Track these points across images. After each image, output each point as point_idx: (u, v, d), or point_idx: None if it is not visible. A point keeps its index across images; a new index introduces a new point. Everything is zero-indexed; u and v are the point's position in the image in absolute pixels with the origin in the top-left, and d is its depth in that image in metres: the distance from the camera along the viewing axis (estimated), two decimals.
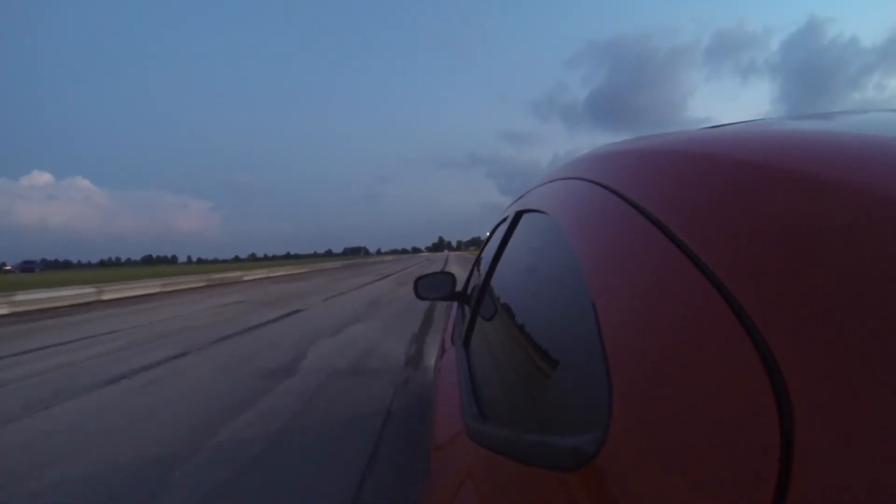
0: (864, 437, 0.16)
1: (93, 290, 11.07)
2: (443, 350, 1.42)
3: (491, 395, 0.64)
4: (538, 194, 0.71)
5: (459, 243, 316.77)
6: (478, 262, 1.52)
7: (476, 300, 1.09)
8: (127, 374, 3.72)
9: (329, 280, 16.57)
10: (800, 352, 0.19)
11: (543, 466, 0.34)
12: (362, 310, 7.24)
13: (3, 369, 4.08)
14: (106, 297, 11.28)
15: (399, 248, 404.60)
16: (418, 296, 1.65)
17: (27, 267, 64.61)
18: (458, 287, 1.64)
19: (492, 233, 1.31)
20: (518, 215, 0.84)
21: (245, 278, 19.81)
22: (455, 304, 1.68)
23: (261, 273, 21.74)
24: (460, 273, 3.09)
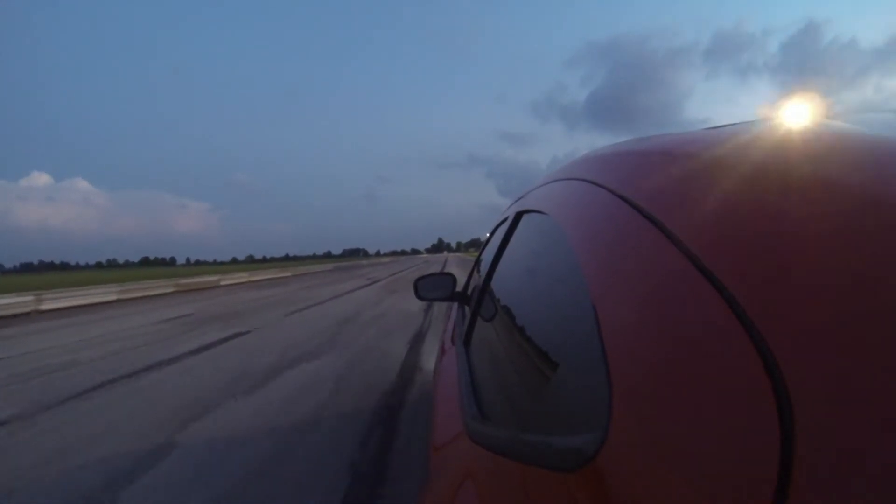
0: (864, 437, 0.16)
1: (31, 298, 9.83)
2: (443, 350, 1.42)
3: (491, 396, 0.64)
4: (538, 195, 0.71)
5: (459, 244, 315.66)
6: (478, 262, 1.52)
7: (476, 301, 1.09)
8: None
9: (311, 285, 15.09)
10: (800, 352, 0.19)
11: (543, 466, 0.34)
12: (327, 333, 5.45)
13: None
14: (45, 306, 10.00)
15: (398, 249, 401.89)
16: (418, 296, 1.65)
17: None
18: (459, 287, 1.64)
19: (492, 233, 1.31)
20: (518, 216, 0.83)
21: (223, 282, 18.15)
22: (455, 305, 1.67)
23: (242, 277, 19.93)
24: (458, 275, 2.17)
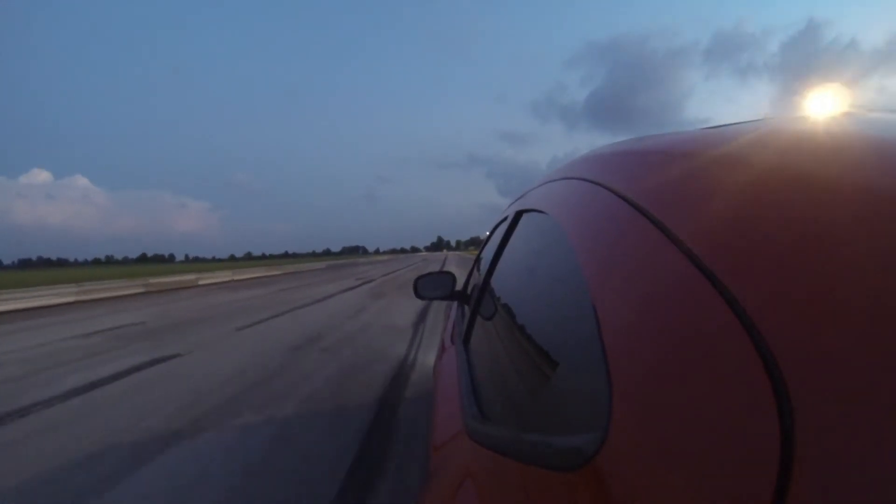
0: (863, 436, 0.16)
1: None
2: (442, 349, 1.41)
3: (491, 395, 0.63)
4: (538, 194, 0.71)
5: (458, 243, 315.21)
6: (478, 261, 1.53)
7: (476, 300, 1.09)
8: None
9: (294, 286, 13.59)
10: (800, 352, 0.19)
11: (543, 466, 0.34)
12: (279, 360, 4.07)
13: None
14: None
15: (398, 247, 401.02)
16: (418, 295, 1.64)
17: None
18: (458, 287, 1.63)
19: (492, 232, 1.30)
20: (518, 215, 0.83)
21: (200, 282, 16.77)
22: (455, 304, 1.67)
23: (225, 276, 18.55)
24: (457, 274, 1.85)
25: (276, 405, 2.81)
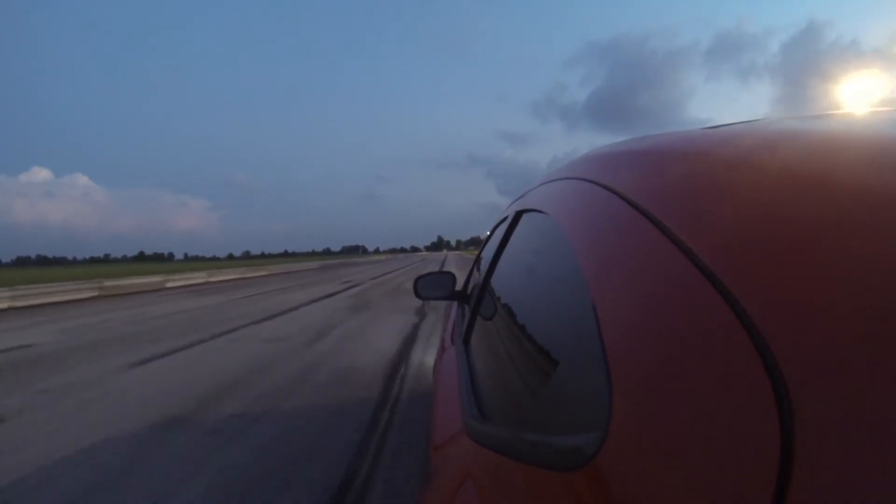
0: (863, 436, 0.16)
1: None
2: (442, 349, 1.41)
3: (491, 395, 0.63)
4: (538, 194, 0.71)
5: (458, 242, 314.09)
6: (478, 261, 1.52)
7: (476, 300, 1.08)
8: None
9: (265, 291, 11.69)
10: (800, 352, 0.19)
11: (543, 466, 0.34)
12: (123, 453, 2.26)
13: None
14: None
15: (398, 247, 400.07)
16: (418, 295, 1.63)
17: None
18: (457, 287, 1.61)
19: (492, 232, 1.29)
20: (518, 215, 0.83)
21: (168, 284, 14.97)
22: (455, 304, 1.66)
23: (198, 277, 16.79)
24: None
25: None
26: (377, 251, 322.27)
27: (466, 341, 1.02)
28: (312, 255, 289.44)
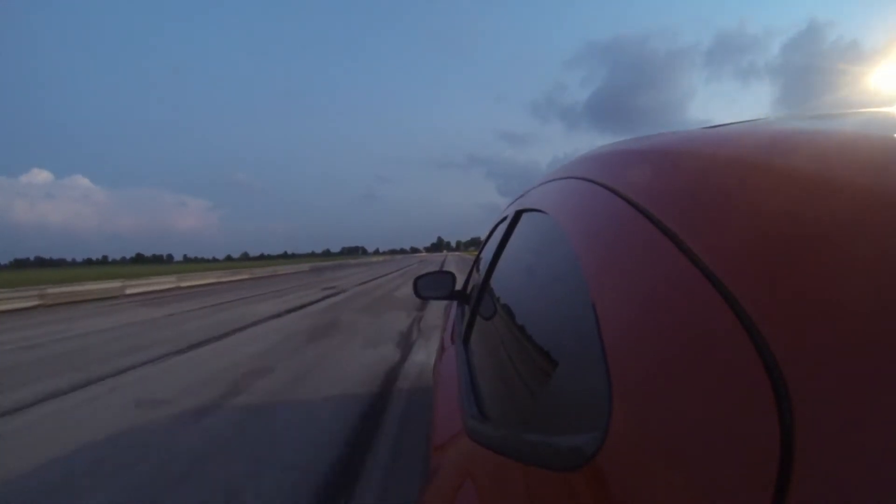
0: (863, 436, 0.16)
1: None
2: (442, 349, 1.40)
3: (491, 395, 0.63)
4: (538, 194, 0.70)
5: (459, 243, 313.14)
6: (477, 261, 1.51)
7: (475, 299, 1.08)
8: None
9: (233, 300, 9.99)
10: (800, 352, 0.19)
11: (543, 466, 0.34)
12: None
13: None
14: None
15: (398, 247, 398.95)
16: (418, 295, 1.62)
17: None
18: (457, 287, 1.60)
19: (491, 232, 1.29)
20: (518, 215, 0.83)
21: (128, 290, 13.29)
22: (455, 304, 1.65)
23: (167, 281, 15.11)
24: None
25: None
26: (377, 252, 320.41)
27: (466, 341, 1.02)
28: (312, 256, 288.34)
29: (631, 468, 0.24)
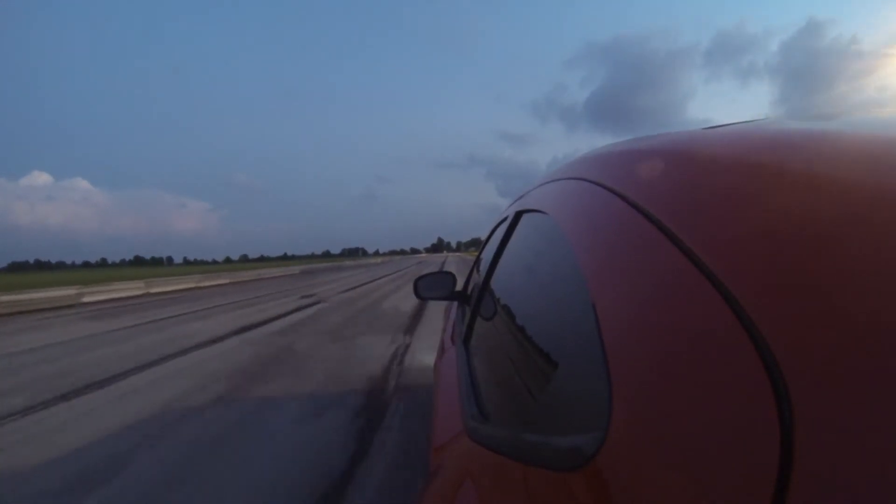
0: (864, 436, 0.16)
1: None
2: (443, 350, 1.40)
3: (491, 395, 0.63)
4: (538, 194, 0.70)
5: (459, 244, 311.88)
6: (478, 261, 1.50)
7: (476, 300, 1.08)
8: None
9: (192, 312, 8.45)
10: (800, 352, 0.19)
11: (543, 466, 0.34)
12: None
13: None
14: None
15: (398, 248, 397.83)
16: (418, 295, 1.61)
17: None
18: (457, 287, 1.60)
19: (492, 233, 1.29)
20: (518, 215, 0.83)
21: (85, 298, 11.98)
22: (455, 304, 1.64)
23: (134, 288, 13.73)
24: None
25: None
26: (377, 253, 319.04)
27: (467, 342, 1.02)
28: (311, 257, 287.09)
29: (631, 468, 0.24)
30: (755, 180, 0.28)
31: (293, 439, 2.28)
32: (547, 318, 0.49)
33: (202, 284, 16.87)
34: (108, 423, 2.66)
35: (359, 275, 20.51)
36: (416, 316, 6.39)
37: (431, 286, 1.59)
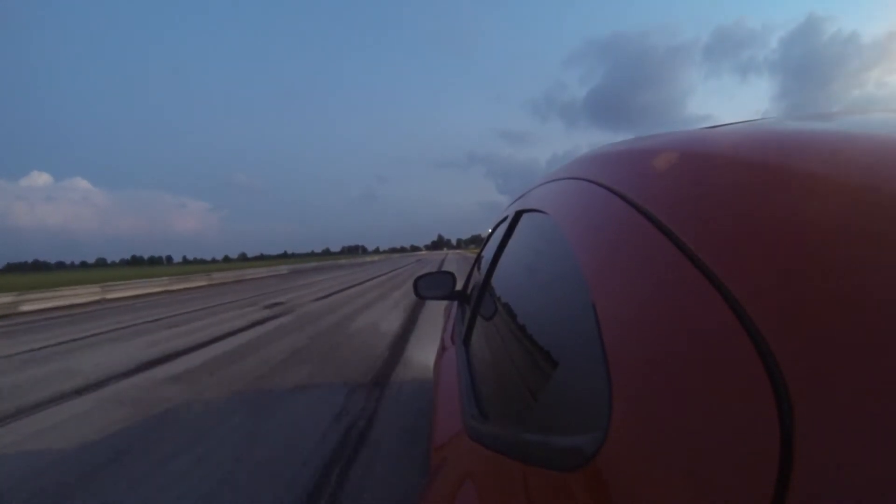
0: (864, 436, 0.17)
1: None
2: (443, 349, 1.39)
3: (491, 395, 0.63)
4: (538, 194, 0.70)
5: (459, 241, 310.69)
6: (478, 261, 1.50)
7: (476, 299, 1.07)
8: None
9: (125, 328, 6.64)
10: (800, 352, 0.19)
11: (543, 466, 0.34)
12: None
13: None
14: None
15: (398, 246, 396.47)
16: (418, 295, 1.59)
17: None
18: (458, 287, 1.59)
19: (492, 232, 1.28)
20: (518, 215, 0.82)
21: (24, 307, 10.39)
22: (455, 304, 1.63)
23: (90, 293, 12.12)
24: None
25: None
26: (376, 251, 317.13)
27: (466, 341, 1.02)
28: (311, 255, 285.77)
29: (631, 468, 0.24)
30: (755, 180, 0.28)
31: None
32: (547, 318, 0.49)
33: (171, 288, 14.96)
34: None
35: (349, 275, 18.52)
36: (398, 345, 4.33)
37: (431, 286, 1.59)
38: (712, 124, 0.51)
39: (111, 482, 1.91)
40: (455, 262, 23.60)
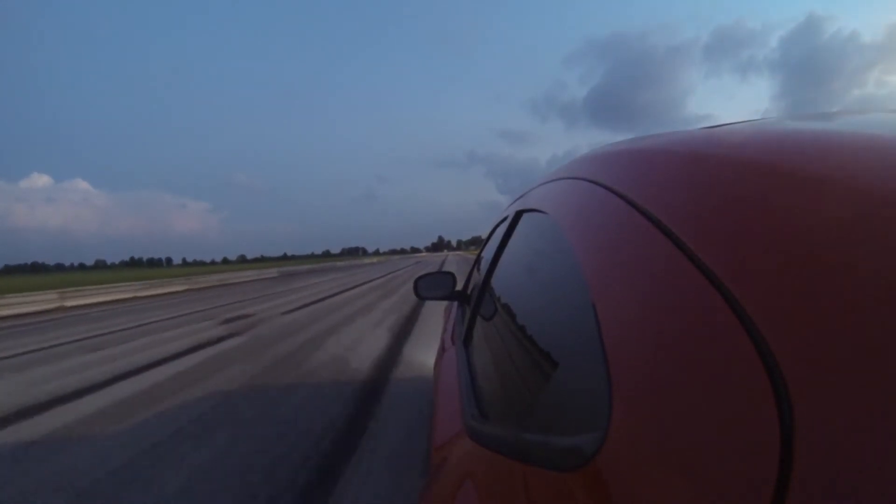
0: (864, 436, 0.17)
1: None
2: (443, 349, 1.39)
3: (491, 395, 0.63)
4: (538, 194, 0.70)
5: (459, 242, 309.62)
6: (478, 261, 1.50)
7: (476, 300, 1.07)
8: None
9: (62, 344, 5.57)
10: (800, 351, 0.19)
11: (543, 466, 0.34)
12: None
13: None
14: None
15: (398, 247, 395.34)
16: (418, 295, 1.61)
17: None
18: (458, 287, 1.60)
19: (492, 232, 1.29)
20: (518, 215, 0.82)
21: None
22: (455, 304, 1.65)
23: (42, 302, 11.04)
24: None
25: None
26: (376, 252, 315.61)
27: (466, 341, 1.02)
28: (311, 257, 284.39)
29: (631, 468, 0.24)
30: (755, 180, 0.28)
31: None
32: (547, 318, 0.49)
33: (140, 294, 13.52)
34: None
35: (341, 279, 17.20)
36: (377, 391, 2.92)
37: (431, 286, 1.59)
38: (712, 124, 0.52)
39: None
40: (455, 264, 22.17)
